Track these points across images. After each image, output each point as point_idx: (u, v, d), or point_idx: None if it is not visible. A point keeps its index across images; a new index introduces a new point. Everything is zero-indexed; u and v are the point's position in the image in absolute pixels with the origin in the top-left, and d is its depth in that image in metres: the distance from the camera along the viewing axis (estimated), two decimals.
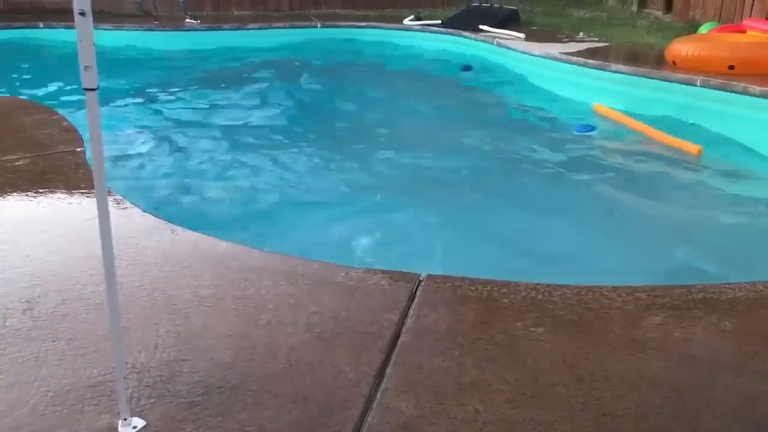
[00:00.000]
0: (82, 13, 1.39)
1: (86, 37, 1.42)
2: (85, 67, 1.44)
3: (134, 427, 1.66)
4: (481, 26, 8.89)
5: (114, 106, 6.18)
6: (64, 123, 4.30)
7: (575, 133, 5.80)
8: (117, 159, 4.80)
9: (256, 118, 6.20)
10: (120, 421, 1.66)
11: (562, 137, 5.69)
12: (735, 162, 4.96)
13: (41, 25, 8.99)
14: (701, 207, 4.27)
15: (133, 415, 1.69)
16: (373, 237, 3.59)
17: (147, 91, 7.07)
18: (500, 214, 4.01)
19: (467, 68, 8.20)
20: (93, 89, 1.46)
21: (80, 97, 1.47)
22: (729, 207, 4.25)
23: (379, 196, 4.22)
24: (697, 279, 2.76)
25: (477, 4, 10.31)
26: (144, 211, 3.00)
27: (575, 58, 6.99)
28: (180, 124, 5.92)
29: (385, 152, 5.14)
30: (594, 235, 3.77)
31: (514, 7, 9.78)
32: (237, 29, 9.50)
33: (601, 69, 6.72)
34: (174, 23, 9.55)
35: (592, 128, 5.86)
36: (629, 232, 3.85)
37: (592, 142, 5.59)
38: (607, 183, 4.63)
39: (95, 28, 1.43)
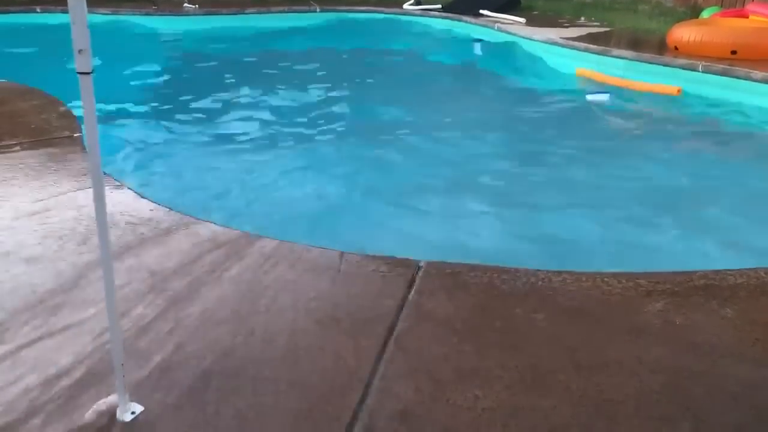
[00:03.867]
0: None
1: (80, 21, 1.39)
2: (80, 51, 1.42)
3: (132, 413, 1.66)
4: (481, 11, 8.82)
5: (110, 91, 6.13)
6: (62, 108, 4.27)
7: (588, 98, 5.95)
8: (114, 144, 4.77)
9: (254, 102, 6.16)
10: (118, 407, 1.66)
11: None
12: None
13: (38, 9, 8.92)
14: None
15: (131, 401, 1.68)
16: None
17: (144, 75, 7.01)
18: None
19: (478, 40, 8.18)
20: (87, 73, 1.44)
21: (77, 81, 1.45)
22: None
23: None
24: None
25: None
26: (141, 195, 2.98)
27: (577, 43, 6.95)
28: (177, 109, 5.88)
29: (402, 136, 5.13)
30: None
31: None
32: (235, 14, 9.44)
33: (603, 54, 6.68)
34: (172, 8, 9.48)
35: (605, 93, 5.95)
36: None
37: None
38: None
39: (91, 12, 1.41)
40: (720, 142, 5.14)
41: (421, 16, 9.42)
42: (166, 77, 7.07)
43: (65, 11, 1.39)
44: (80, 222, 2.71)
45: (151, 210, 2.85)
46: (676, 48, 6.46)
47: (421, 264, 2.42)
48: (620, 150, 4.95)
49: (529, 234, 3.54)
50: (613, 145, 5.04)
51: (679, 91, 5.72)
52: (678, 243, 3.44)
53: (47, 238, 2.57)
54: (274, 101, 6.15)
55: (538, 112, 5.85)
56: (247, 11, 9.50)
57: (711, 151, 4.96)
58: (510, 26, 8.07)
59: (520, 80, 7.06)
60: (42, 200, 2.92)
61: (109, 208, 1.58)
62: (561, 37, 7.20)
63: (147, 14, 9.17)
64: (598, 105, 5.85)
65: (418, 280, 2.32)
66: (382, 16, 9.61)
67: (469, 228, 3.62)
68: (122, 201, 2.92)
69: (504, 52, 7.84)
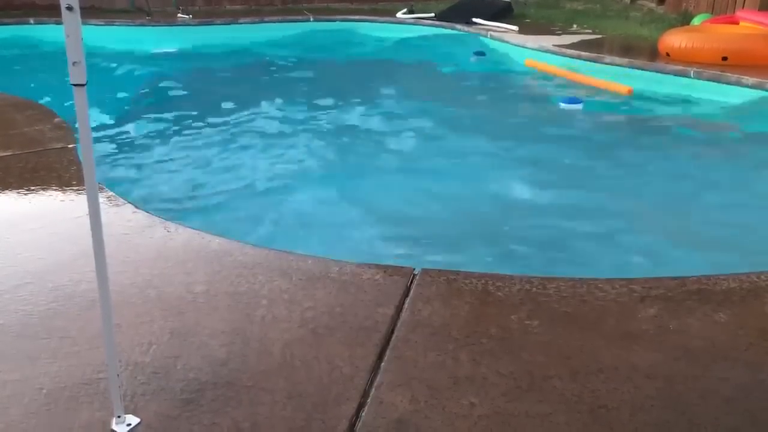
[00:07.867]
0: (69, 8, 1.37)
1: (74, 33, 1.40)
2: (74, 63, 1.43)
3: (128, 425, 1.65)
4: (474, 19, 8.87)
5: (105, 102, 6.14)
6: (56, 119, 4.27)
7: (561, 106, 5.95)
8: (110, 155, 4.77)
9: (249, 112, 6.17)
10: (114, 419, 1.66)
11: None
12: None
13: (32, 21, 8.93)
14: None
15: (127, 413, 1.68)
16: None
17: (139, 86, 7.03)
18: None
19: (480, 53, 8.15)
20: (81, 85, 1.45)
21: (71, 93, 1.46)
22: None
23: None
24: None
25: None
26: (136, 207, 2.99)
27: (570, 51, 6.99)
28: (173, 119, 5.89)
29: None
30: None
31: (508, 0, 9.76)
32: (229, 24, 9.46)
33: (595, 61, 6.72)
34: (166, 18, 9.50)
35: (579, 101, 5.94)
36: None
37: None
38: None
39: (86, 24, 1.42)
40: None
41: (414, 24, 9.46)
42: (159, 87, 7.07)
43: (59, 23, 1.40)
44: (75, 232, 2.70)
45: (146, 221, 2.85)
46: (667, 54, 6.50)
47: (416, 271, 2.43)
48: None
49: None
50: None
51: (630, 91, 5.73)
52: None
53: (41, 249, 2.57)
54: (267, 110, 6.17)
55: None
56: (240, 21, 9.53)
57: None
58: (503, 34, 8.11)
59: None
60: (36, 211, 2.92)
61: (104, 218, 1.59)
62: (554, 45, 7.25)
63: (141, 25, 9.18)
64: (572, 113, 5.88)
65: (413, 288, 2.32)
66: (376, 25, 9.65)
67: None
68: (117, 212, 2.92)
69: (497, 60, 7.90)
